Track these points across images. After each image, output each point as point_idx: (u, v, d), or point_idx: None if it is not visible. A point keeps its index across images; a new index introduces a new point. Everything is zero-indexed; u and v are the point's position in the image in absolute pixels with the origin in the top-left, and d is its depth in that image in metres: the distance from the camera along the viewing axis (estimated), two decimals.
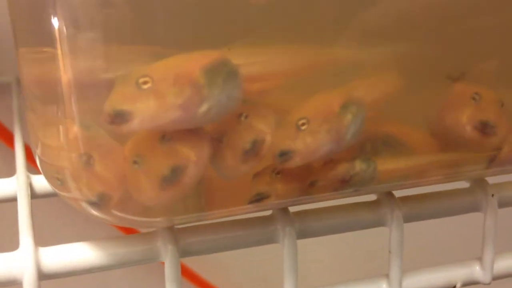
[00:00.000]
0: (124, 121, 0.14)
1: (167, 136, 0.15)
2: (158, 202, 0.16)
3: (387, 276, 0.19)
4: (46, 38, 0.15)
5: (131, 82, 0.14)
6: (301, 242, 0.18)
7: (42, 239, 0.18)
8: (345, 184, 0.17)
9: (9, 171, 0.42)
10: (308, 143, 0.16)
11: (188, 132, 0.15)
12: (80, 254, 0.17)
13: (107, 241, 0.17)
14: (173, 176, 0.15)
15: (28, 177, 0.21)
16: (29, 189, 0.20)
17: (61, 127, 0.15)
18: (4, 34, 0.40)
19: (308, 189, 0.17)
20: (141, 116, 0.14)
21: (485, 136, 0.17)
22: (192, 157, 0.15)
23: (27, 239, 0.16)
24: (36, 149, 0.17)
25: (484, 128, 0.17)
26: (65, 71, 0.14)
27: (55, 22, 0.14)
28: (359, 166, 0.17)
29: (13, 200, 0.21)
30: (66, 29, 0.14)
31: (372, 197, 0.20)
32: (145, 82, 0.14)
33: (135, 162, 0.15)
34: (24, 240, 0.16)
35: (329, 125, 0.16)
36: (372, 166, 0.17)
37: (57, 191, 0.17)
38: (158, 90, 0.14)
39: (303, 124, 0.16)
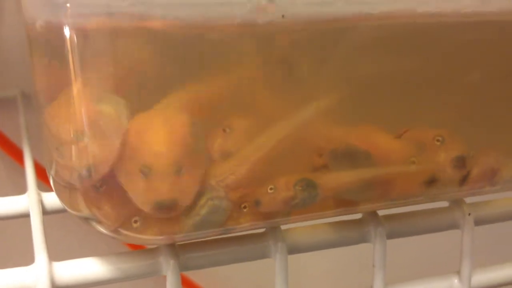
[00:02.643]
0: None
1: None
2: None
3: None
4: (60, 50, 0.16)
5: None
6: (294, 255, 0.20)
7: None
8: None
9: (15, 186, 0.43)
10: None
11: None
12: (90, 268, 0.18)
13: (114, 256, 0.19)
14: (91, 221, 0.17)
15: (39, 194, 0.23)
16: (40, 206, 0.22)
17: (73, 147, 0.17)
18: (9, 48, 0.42)
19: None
20: None
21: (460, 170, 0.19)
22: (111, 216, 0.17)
23: (41, 254, 0.18)
24: (50, 169, 0.18)
25: (461, 163, 0.19)
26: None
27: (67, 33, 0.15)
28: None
29: (24, 216, 0.22)
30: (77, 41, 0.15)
31: (358, 215, 0.21)
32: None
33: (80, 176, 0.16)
34: (38, 255, 0.18)
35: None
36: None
37: (68, 209, 0.18)
38: None
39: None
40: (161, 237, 0.18)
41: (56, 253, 0.20)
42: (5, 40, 0.43)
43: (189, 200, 0.17)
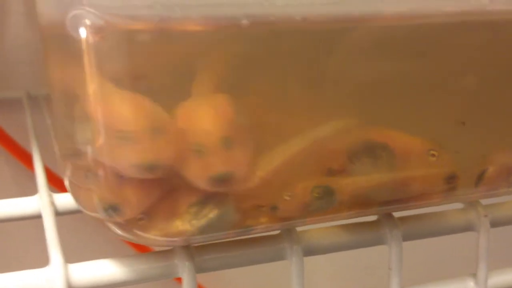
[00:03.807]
0: None
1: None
2: None
3: None
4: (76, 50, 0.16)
5: None
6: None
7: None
8: None
9: (19, 187, 0.43)
10: None
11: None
12: (106, 270, 0.18)
13: (130, 258, 0.18)
14: (110, 212, 0.16)
15: (50, 196, 0.22)
16: (53, 207, 0.22)
17: (89, 148, 0.17)
18: (14, 49, 0.42)
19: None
20: None
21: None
22: (132, 202, 0.16)
23: (56, 255, 0.18)
24: (65, 170, 0.18)
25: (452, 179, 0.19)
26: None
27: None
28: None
29: (35, 218, 0.22)
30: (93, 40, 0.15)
31: (373, 217, 0.21)
32: None
33: (89, 179, 0.16)
34: (53, 256, 0.18)
35: None
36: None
37: (84, 210, 0.18)
38: None
39: None
40: (175, 239, 0.18)
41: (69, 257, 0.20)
42: (10, 41, 0.42)
43: (243, 173, 0.17)
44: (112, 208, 0.16)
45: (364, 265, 0.41)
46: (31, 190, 0.43)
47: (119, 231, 0.18)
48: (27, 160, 0.42)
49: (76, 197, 0.18)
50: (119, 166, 0.16)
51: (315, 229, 0.20)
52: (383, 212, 0.20)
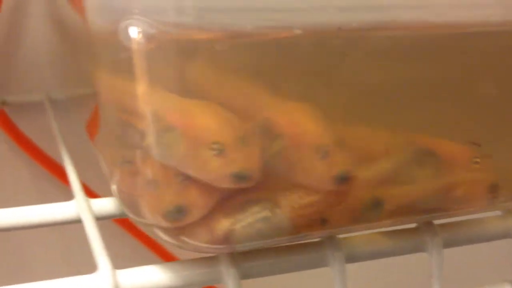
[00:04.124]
0: None
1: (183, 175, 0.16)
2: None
3: None
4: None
5: None
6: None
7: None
8: None
9: (40, 193, 0.43)
10: None
11: None
12: (153, 276, 0.18)
13: (176, 264, 0.18)
14: (176, 214, 0.16)
15: (88, 200, 0.22)
16: (92, 212, 0.22)
17: (138, 152, 0.17)
18: (34, 51, 0.42)
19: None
20: None
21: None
22: (199, 202, 0.17)
23: (104, 261, 0.18)
24: (113, 177, 0.18)
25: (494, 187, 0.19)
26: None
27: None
28: None
29: (73, 223, 0.22)
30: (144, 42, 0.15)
31: (413, 224, 0.21)
32: None
33: (150, 184, 0.16)
34: (101, 262, 0.18)
35: None
36: None
37: (132, 216, 0.18)
38: None
39: None
40: (220, 246, 0.18)
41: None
42: (30, 44, 0.42)
43: (259, 171, 0.17)
44: (178, 211, 0.16)
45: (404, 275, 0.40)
46: (52, 194, 0.43)
47: (166, 237, 0.18)
48: (48, 163, 0.42)
49: (125, 203, 0.18)
50: (207, 177, 0.16)
51: (356, 236, 0.20)
52: (425, 219, 0.20)
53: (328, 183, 0.17)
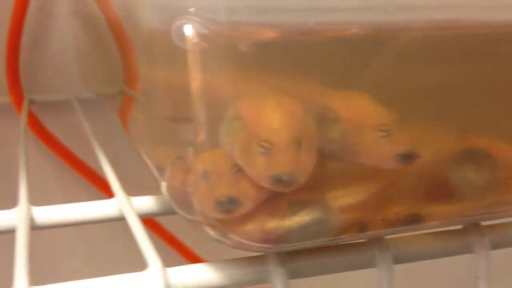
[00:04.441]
0: None
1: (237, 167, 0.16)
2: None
3: None
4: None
5: None
6: None
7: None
8: None
9: (67, 192, 0.43)
10: None
11: None
12: (202, 274, 0.18)
13: (225, 262, 0.18)
14: (229, 205, 0.16)
15: (129, 198, 0.22)
16: (134, 209, 0.21)
17: (190, 149, 0.16)
18: (61, 51, 0.42)
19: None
20: None
21: None
22: (251, 194, 0.16)
23: (154, 259, 0.18)
24: (164, 174, 0.18)
25: None
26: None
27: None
28: None
29: (116, 220, 0.22)
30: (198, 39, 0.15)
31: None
32: None
33: (202, 177, 0.16)
34: (151, 260, 0.18)
35: None
36: None
37: (182, 213, 0.18)
38: None
39: None
40: (271, 245, 0.18)
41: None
42: (57, 44, 0.43)
43: (305, 177, 0.16)
44: (231, 201, 0.16)
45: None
46: (79, 194, 0.43)
47: (215, 234, 0.18)
48: (74, 163, 0.42)
49: (175, 200, 0.18)
50: (254, 176, 0.16)
51: (404, 237, 0.20)
52: (473, 221, 0.20)
53: (392, 161, 0.17)
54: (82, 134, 0.43)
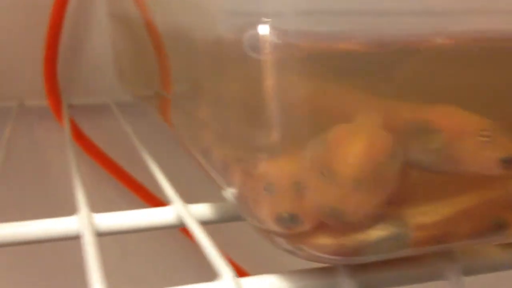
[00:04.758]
0: None
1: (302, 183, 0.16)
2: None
3: None
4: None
5: None
6: None
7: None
8: None
9: (103, 199, 0.43)
10: None
11: None
12: (273, 284, 0.18)
13: (295, 273, 0.18)
14: (289, 222, 0.16)
15: (186, 206, 0.22)
16: (193, 216, 0.21)
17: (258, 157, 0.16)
18: (103, 56, 0.42)
19: None
20: None
21: None
22: (312, 214, 0.16)
23: (225, 269, 0.17)
24: (233, 182, 0.18)
25: None
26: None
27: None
28: None
29: (174, 227, 0.22)
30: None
31: None
32: None
33: (265, 189, 0.16)
34: (223, 270, 0.17)
35: None
36: None
37: (252, 221, 0.18)
38: None
39: None
40: (343, 258, 0.18)
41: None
42: (95, 49, 0.42)
43: (355, 218, 0.16)
44: (292, 219, 0.16)
45: None
46: (115, 200, 0.43)
47: (286, 245, 0.17)
48: (111, 167, 0.42)
49: (244, 208, 0.18)
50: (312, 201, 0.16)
51: (473, 248, 0.20)
52: None
53: (496, 166, 0.16)
54: (118, 138, 0.43)
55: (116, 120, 0.37)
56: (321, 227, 0.17)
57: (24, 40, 0.41)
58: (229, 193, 0.18)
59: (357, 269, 0.19)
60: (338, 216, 0.16)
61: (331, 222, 0.16)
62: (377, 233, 0.17)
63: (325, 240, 0.17)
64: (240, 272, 0.40)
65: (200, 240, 0.19)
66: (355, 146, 0.16)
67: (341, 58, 0.16)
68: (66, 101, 0.41)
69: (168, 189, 0.24)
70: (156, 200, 0.41)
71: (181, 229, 0.39)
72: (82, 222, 0.20)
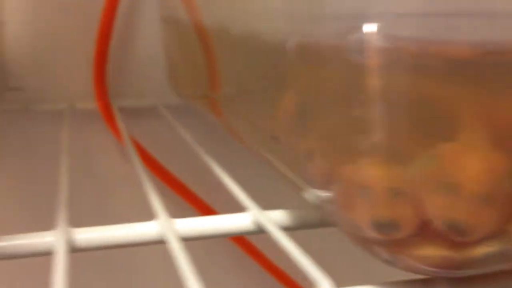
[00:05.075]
0: None
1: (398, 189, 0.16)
2: None
3: None
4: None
5: None
6: None
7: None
8: None
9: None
10: None
11: None
12: None
13: (392, 285, 0.17)
14: (385, 227, 0.16)
15: (263, 213, 0.22)
16: (273, 223, 0.21)
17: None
18: (151, 56, 0.42)
19: None
20: None
21: None
22: (412, 217, 0.16)
23: (323, 278, 0.17)
24: (329, 185, 0.17)
25: None
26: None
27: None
28: None
29: (250, 234, 0.22)
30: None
31: None
32: None
33: (362, 193, 0.16)
34: (320, 279, 0.17)
35: None
36: None
37: (348, 228, 0.17)
38: None
39: None
40: (442, 271, 0.17)
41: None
42: (144, 52, 0.42)
43: (484, 231, 0.16)
44: (390, 225, 0.16)
45: None
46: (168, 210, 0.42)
47: (385, 255, 0.17)
48: (165, 175, 0.41)
49: (341, 214, 0.17)
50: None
51: None
52: None
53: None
54: (164, 141, 0.42)
55: (162, 123, 0.37)
56: (425, 238, 0.16)
57: (74, 43, 0.41)
58: (318, 197, 0.18)
59: (456, 282, 0.18)
60: (460, 229, 0.15)
61: (450, 235, 0.16)
62: (485, 248, 0.16)
63: (429, 252, 0.16)
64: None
65: (287, 247, 0.19)
66: (483, 162, 0.15)
67: (449, 64, 0.15)
68: (117, 104, 0.40)
69: (241, 194, 0.23)
70: (203, 205, 0.41)
71: (233, 238, 0.38)
72: (163, 227, 0.19)
